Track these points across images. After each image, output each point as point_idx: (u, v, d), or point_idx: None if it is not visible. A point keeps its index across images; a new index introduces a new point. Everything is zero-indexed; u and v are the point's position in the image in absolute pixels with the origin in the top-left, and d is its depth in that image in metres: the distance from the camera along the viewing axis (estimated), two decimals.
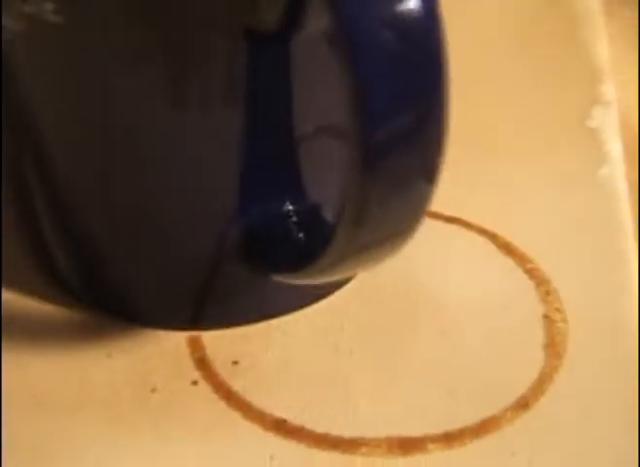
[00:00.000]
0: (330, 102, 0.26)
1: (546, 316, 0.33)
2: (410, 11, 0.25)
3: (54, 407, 0.32)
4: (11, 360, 0.33)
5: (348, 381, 0.32)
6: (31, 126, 0.31)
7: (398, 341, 0.33)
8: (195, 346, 0.33)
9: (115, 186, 0.31)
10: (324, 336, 0.33)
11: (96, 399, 0.32)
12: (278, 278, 0.31)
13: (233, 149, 0.30)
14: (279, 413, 0.31)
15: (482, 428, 0.31)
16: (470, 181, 0.36)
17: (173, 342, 0.33)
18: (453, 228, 0.35)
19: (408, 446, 0.31)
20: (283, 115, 0.30)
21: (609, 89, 0.38)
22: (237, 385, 0.32)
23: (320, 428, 0.31)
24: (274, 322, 0.33)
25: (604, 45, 0.40)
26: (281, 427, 0.31)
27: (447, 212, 0.35)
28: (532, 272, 0.34)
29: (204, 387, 0.32)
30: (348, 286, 0.34)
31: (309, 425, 0.31)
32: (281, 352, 0.33)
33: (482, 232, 0.35)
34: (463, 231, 0.35)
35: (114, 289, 0.34)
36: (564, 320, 0.33)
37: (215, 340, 0.33)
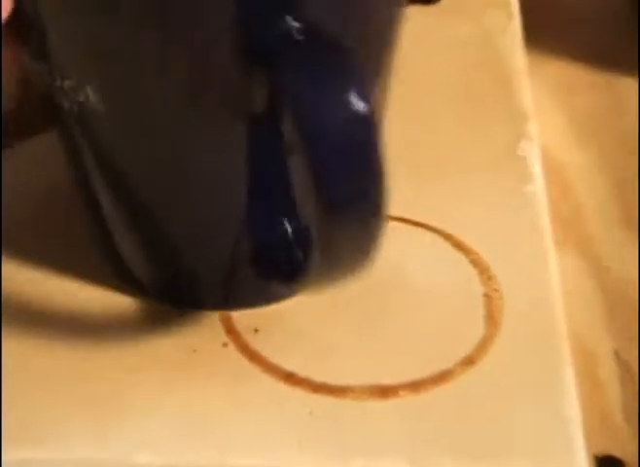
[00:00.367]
0: None
1: (486, 295, 0.33)
2: (355, 111, 0.25)
3: (121, 365, 0.32)
4: (85, 326, 0.33)
5: (340, 343, 0.32)
6: (106, 158, 0.31)
7: (376, 314, 0.33)
8: (225, 319, 0.33)
9: (167, 202, 0.31)
10: (323, 310, 0.33)
11: (153, 359, 0.32)
12: (277, 286, 0.31)
13: (246, 189, 0.30)
14: (289, 367, 0.32)
15: (440, 378, 0.31)
16: (430, 195, 0.36)
17: (209, 317, 0.33)
18: (418, 230, 0.35)
19: (384, 391, 0.31)
20: (281, 167, 0.29)
21: (532, 128, 0.38)
22: (257, 347, 0.32)
23: (319, 378, 0.31)
24: (286, 302, 0.33)
25: (529, 95, 0.40)
26: (290, 378, 0.31)
27: (413, 218, 0.35)
28: (476, 262, 0.34)
29: (232, 348, 0.32)
30: None
31: (311, 376, 0.31)
32: (291, 323, 0.33)
33: (439, 232, 0.35)
34: (424, 232, 0.35)
35: (168, 280, 0.34)
36: (500, 298, 0.33)
37: (240, 314, 0.33)
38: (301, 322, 0.33)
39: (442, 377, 0.31)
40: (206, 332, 0.33)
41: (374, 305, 0.33)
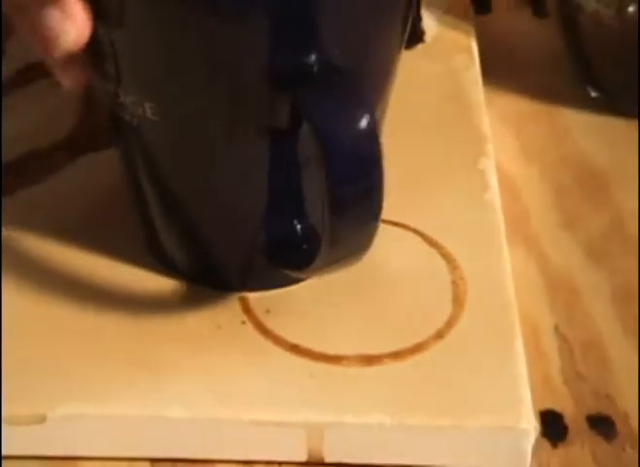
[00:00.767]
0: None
1: (453, 282, 0.33)
2: (361, 128, 0.25)
3: (156, 336, 0.31)
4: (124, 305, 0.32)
5: (335, 321, 0.32)
6: (154, 160, 0.31)
7: (364, 298, 0.33)
8: (243, 301, 0.33)
9: (199, 200, 0.31)
10: (322, 295, 0.33)
11: (183, 332, 0.32)
12: (288, 272, 0.31)
13: (264, 191, 0.30)
14: (295, 340, 0.31)
15: (416, 349, 0.31)
16: (407, 201, 0.35)
17: (230, 298, 0.33)
18: (397, 229, 0.35)
19: (370, 360, 0.31)
20: (294, 176, 0.30)
21: (489, 148, 0.38)
22: (269, 325, 0.32)
23: (318, 349, 0.31)
24: (292, 287, 0.33)
25: (486, 122, 0.39)
26: (295, 349, 0.31)
27: (394, 220, 0.34)
28: (445, 255, 0.34)
29: (249, 326, 0.32)
30: None
31: (312, 347, 0.31)
32: (296, 305, 0.32)
33: (415, 231, 0.35)
34: (403, 231, 0.35)
35: (198, 265, 0.33)
36: (465, 284, 0.33)
37: (256, 296, 0.33)
38: (304, 304, 0.32)
39: (417, 348, 0.31)
40: (228, 311, 0.32)
41: (363, 291, 0.33)
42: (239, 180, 0.30)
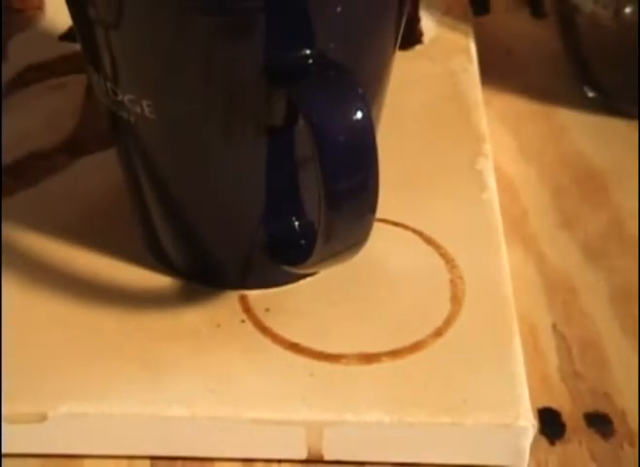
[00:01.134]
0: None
1: (451, 281, 0.33)
2: (356, 121, 0.25)
3: (157, 335, 0.31)
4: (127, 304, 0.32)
5: (334, 320, 0.32)
6: (152, 158, 0.31)
7: (363, 297, 0.33)
8: (243, 299, 0.33)
9: (198, 198, 0.31)
10: (321, 294, 0.33)
11: (184, 330, 0.32)
12: (286, 268, 0.31)
13: (262, 188, 0.30)
14: (294, 339, 0.31)
15: (414, 347, 0.31)
16: (407, 200, 0.35)
17: (230, 297, 0.33)
18: (396, 229, 0.35)
19: (369, 358, 0.31)
20: (291, 172, 0.30)
21: (487, 148, 0.38)
22: (269, 323, 0.32)
23: (318, 348, 0.31)
24: (291, 285, 0.33)
25: (484, 122, 0.39)
26: (294, 347, 0.31)
27: (393, 219, 0.35)
28: (443, 255, 0.34)
29: (249, 324, 0.32)
30: None
31: (312, 346, 0.31)
32: (295, 304, 0.32)
33: (414, 231, 0.35)
34: (402, 231, 0.35)
35: (198, 263, 0.34)
36: (463, 283, 0.33)
37: (255, 295, 0.33)
38: (303, 303, 0.32)
39: (415, 347, 0.31)
40: (228, 310, 0.32)
41: (362, 290, 0.33)
42: (237, 178, 0.30)
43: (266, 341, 0.31)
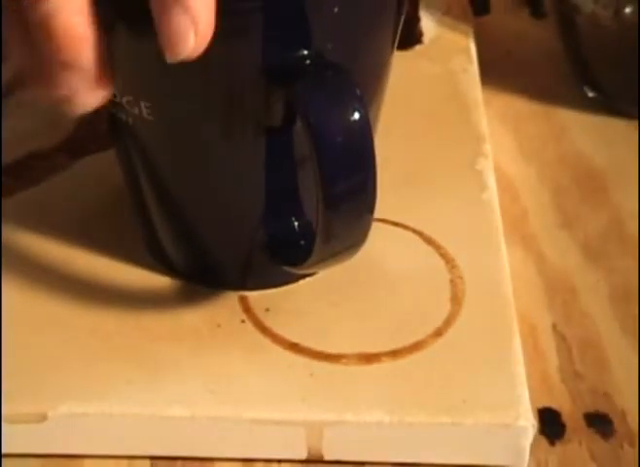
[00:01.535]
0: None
1: (451, 281, 0.33)
2: (353, 121, 0.25)
3: (157, 335, 0.31)
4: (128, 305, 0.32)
5: (334, 320, 0.32)
6: (151, 159, 0.31)
7: (363, 297, 0.33)
8: (243, 299, 0.33)
9: (197, 199, 0.31)
10: (320, 294, 0.33)
11: (184, 331, 0.32)
12: (286, 268, 0.31)
13: (261, 188, 0.30)
14: (294, 339, 0.31)
15: (414, 347, 0.31)
16: (406, 201, 0.35)
17: (230, 297, 0.33)
18: (396, 229, 0.35)
19: (369, 358, 0.31)
20: (290, 173, 0.30)
21: (487, 148, 0.38)
22: (269, 323, 0.32)
23: (318, 348, 0.31)
24: (291, 285, 0.33)
25: (484, 122, 0.39)
26: (294, 347, 0.31)
27: (393, 219, 0.35)
28: (443, 255, 0.34)
29: (249, 324, 0.32)
30: None
31: (312, 346, 0.31)
32: (295, 304, 0.32)
33: (414, 231, 0.35)
34: (402, 231, 0.35)
35: (198, 265, 0.34)
36: (463, 283, 0.33)
37: (255, 295, 0.33)
38: (303, 303, 0.32)
39: (415, 346, 0.31)
40: (228, 310, 0.32)
41: (362, 290, 0.33)
42: (236, 178, 0.30)
43: (266, 341, 0.31)
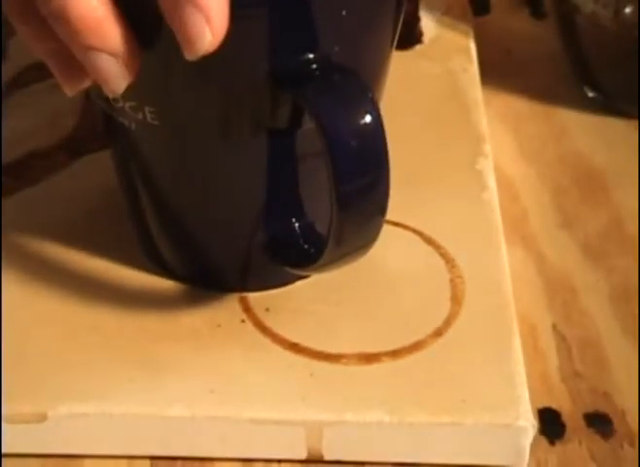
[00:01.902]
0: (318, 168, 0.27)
1: (451, 280, 0.33)
2: (366, 123, 0.25)
3: (158, 336, 0.31)
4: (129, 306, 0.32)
5: (334, 320, 0.32)
6: (152, 163, 0.31)
7: (363, 296, 0.33)
8: (243, 300, 0.33)
9: (198, 202, 0.31)
10: (321, 294, 0.33)
11: (185, 331, 0.32)
12: (293, 270, 0.31)
13: (265, 190, 0.30)
14: (294, 339, 0.31)
15: (414, 347, 0.31)
16: (407, 200, 0.35)
17: (230, 297, 0.33)
18: (397, 229, 0.35)
19: (369, 358, 0.31)
20: (293, 174, 0.30)
21: (487, 148, 0.38)
22: (269, 323, 0.32)
23: (318, 347, 0.31)
24: (291, 286, 0.33)
25: (484, 122, 0.39)
26: (294, 347, 0.31)
27: (393, 219, 0.34)
28: (443, 254, 0.34)
29: (249, 324, 0.32)
30: None
31: (312, 346, 0.31)
32: (295, 303, 0.32)
33: (414, 231, 0.35)
34: (402, 230, 0.35)
35: (197, 267, 0.34)
36: (463, 283, 0.33)
37: (255, 295, 0.33)
38: (303, 303, 0.32)
39: (415, 346, 0.31)
40: (228, 310, 0.32)
41: (362, 290, 0.33)
42: (238, 180, 0.30)
43: (267, 341, 0.31)
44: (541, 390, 0.32)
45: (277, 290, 0.33)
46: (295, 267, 0.30)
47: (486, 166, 0.37)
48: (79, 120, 0.39)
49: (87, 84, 0.27)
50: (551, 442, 0.31)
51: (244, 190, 0.30)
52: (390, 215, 0.33)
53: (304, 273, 0.31)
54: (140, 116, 0.28)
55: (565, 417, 0.31)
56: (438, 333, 0.31)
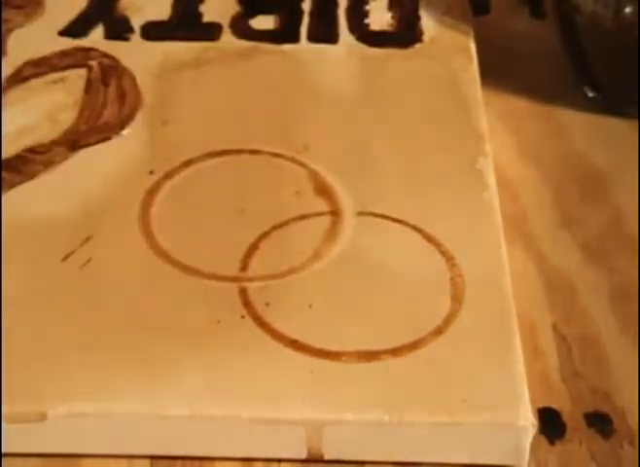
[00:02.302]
0: None
1: (452, 279, 0.33)
2: None
3: (157, 334, 0.31)
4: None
5: (335, 317, 0.32)
6: None
7: (364, 294, 0.33)
8: (243, 295, 0.32)
9: None
10: (321, 291, 0.33)
11: (184, 328, 0.32)
12: None
13: None
14: (294, 335, 0.31)
15: (414, 345, 0.31)
16: (407, 198, 0.35)
17: (230, 290, 0.32)
18: (397, 226, 0.35)
19: (369, 356, 0.31)
20: None
21: (487, 147, 0.38)
22: (269, 318, 0.32)
23: (318, 345, 0.31)
24: (292, 279, 0.33)
25: (484, 121, 0.39)
26: (294, 344, 0.31)
27: (394, 216, 0.34)
28: (444, 252, 0.34)
29: (248, 319, 0.32)
30: (336, 259, 0.33)
31: (312, 343, 0.31)
32: (296, 298, 0.32)
33: (414, 228, 0.35)
34: (403, 227, 0.35)
35: None
36: (463, 281, 0.33)
37: (255, 289, 0.33)
38: (303, 299, 0.32)
39: (416, 345, 0.31)
40: (227, 305, 0.32)
41: (362, 287, 0.33)
42: None
43: (266, 338, 0.31)
44: (541, 390, 0.32)
45: (278, 283, 0.32)
46: None
47: (486, 166, 0.37)
48: (78, 115, 0.39)
49: None
50: (552, 441, 0.31)
51: None
52: (391, 213, 0.34)
53: None
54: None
55: (565, 417, 0.31)
56: (438, 331, 0.31)
